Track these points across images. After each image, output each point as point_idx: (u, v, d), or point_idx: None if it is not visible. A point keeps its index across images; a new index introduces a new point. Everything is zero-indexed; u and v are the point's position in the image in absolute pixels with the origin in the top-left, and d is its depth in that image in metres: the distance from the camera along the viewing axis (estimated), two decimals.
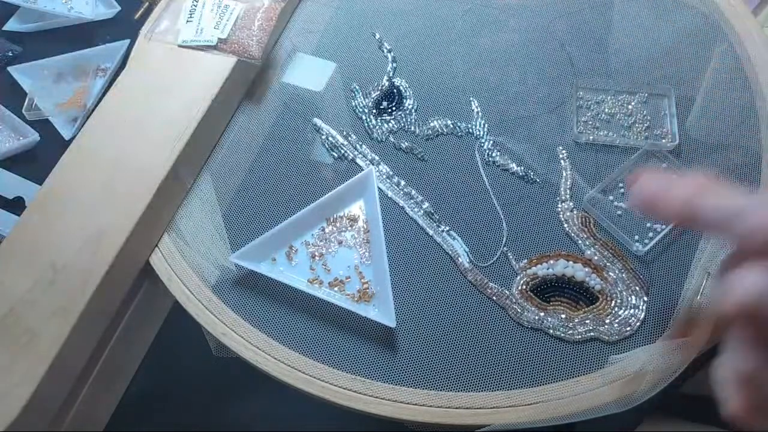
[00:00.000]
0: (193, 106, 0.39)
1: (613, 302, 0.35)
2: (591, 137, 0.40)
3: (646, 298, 0.35)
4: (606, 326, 0.34)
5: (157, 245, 0.38)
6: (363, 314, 0.35)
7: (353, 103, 0.43)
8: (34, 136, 0.51)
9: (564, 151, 0.40)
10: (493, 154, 0.40)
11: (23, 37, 0.57)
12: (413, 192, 0.39)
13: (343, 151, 0.41)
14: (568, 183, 0.39)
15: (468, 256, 0.37)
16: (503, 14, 0.46)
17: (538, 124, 0.41)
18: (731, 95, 0.41)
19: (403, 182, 0.40)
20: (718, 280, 0.25)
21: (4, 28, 0.57)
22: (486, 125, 0.41)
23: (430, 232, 0.38)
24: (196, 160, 0.40)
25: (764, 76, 0.41)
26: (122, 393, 0.43)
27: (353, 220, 0.38)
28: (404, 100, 0.43)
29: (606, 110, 0.41)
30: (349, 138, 0.41)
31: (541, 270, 0.36)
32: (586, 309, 0.35)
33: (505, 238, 0.37)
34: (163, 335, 0.45)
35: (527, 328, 0.35)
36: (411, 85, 0.43)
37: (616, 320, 0.35)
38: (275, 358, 0.35)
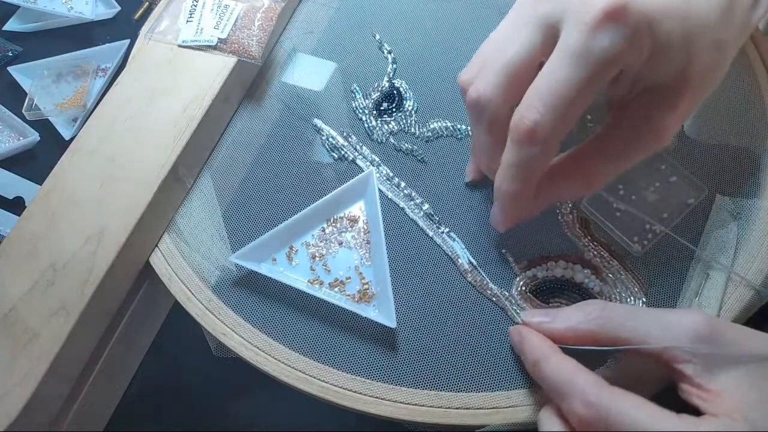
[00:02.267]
0: (193, 106, 0.39)
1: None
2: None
3: (644, 299, 0.35)
4: None
5: (157, 245, 0.38)
6: (363, 315, 0.35)
7: (353, 104, 0.43)
8: (34, 136, 0.52)
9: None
10: None
11: (23, 37, 0.57)
12: (413, 193, 0.39)
13: (343, 152, 0.41)
14: None
15: (468, 257, 0.37)
16: (503, 15, 0.46)
17: None
18: (732, 95, 0.41)
19: (403, 183, 0.40)
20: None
21: (4, 28, 0.57)
22: None
23: (431, 234, 0.38)
24: (197, 160, 0.40)
25: (765, 76, 0.41)
26: (122, 393, 0.43)
27: (353, 221, 0.39)
28: (404, 102, 0.43)
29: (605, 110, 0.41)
30: (350, 139, 0.41)
31: (541, 272, 0.36)
32: None
33: (504, 240, 0.37)
34: (163, 335, 0.45)
35: None
36: (411, 86, 0.43)
37: None
38: (275, 358, 0.35)
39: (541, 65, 0.28)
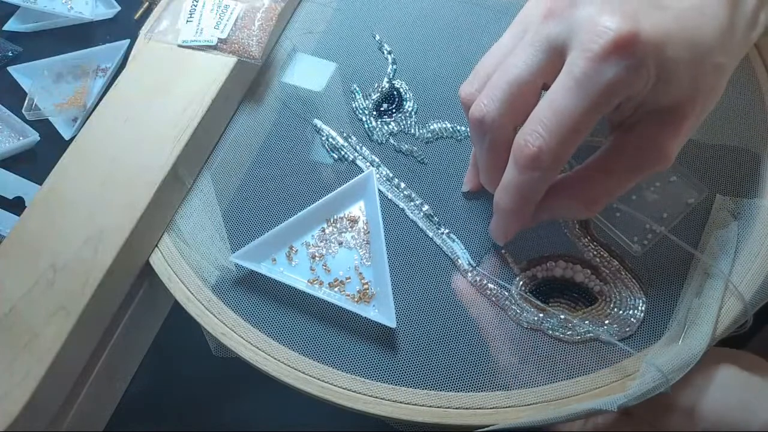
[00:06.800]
0: (193, 106, 0.39)
1: (612, 303, 0.35)
2: (590, 138, 0.40)
3: (644, 299, 0.35)
4: (605, 327, 0.34)
5: (157, 245, 0.38)
6: (363, 315, 0.35)
7: (353, 105, 0.43)
8: (34, 136, 0.52)
9: None
10: None
11: (23, 37, 0.57)
12: (413, 194, 0.39)
13: (343, 153, 0.41)
14: None
15: (468, 258, 0.37)
16: (504, 16, 0.46)
17: None
18: (732, 96, 0.41)
19: (403, 184, 0.40)
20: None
21: (4, 28, 0.57)
22: None
23: (430, 234, 0.38)
24: (196, 160, 0.40)
25: (766, 77, 0.41)
26: (122, 393, 0.43)
27: (353, 221, 0.39)
28: (404, 102, 0.43)
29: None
30: (350, 140, 0.42)
31: (540, 272, 0.36)
32: (585, 310, 0.35)
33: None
34: (163, 335, 0.45)
35: (526, 328, 0.35)
36: (411, 87, 0.43)
37: (615, 321, 0.35)
38: (275, 358, 0.35)
39: (545, 85, 0.28)
